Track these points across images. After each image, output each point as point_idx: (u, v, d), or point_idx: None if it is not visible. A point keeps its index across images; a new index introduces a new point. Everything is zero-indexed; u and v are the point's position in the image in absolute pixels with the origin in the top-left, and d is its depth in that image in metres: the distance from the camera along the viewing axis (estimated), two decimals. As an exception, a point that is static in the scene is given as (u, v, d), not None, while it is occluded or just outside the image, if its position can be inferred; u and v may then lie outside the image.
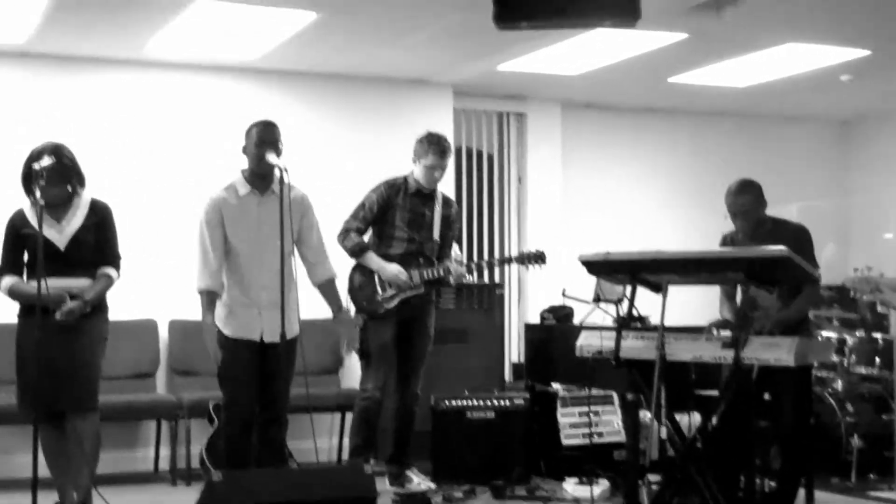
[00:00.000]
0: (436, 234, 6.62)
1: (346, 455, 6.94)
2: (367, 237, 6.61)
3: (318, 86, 8.34)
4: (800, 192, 9.55)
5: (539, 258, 6.79)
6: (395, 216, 6.51)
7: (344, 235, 6.50)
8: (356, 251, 6.50)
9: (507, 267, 9.30)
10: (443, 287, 7.29)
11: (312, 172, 7.27)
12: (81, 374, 5.37)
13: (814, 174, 10.45)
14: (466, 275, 6.80)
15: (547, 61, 7.97)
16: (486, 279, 8.20)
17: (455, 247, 6.93)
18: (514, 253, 7.09)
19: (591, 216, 9.58)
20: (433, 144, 6.54)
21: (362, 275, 6.51)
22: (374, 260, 6.47)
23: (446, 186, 8.67)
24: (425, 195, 6.59)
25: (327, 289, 5.84)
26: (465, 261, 6.79)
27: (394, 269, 6.42)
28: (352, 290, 6.54)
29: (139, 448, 7.69)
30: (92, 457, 5.40)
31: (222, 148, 7.26)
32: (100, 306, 5.48)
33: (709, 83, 8.73)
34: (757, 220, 5.70)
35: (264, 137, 5.53)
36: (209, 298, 5.59)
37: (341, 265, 6.34)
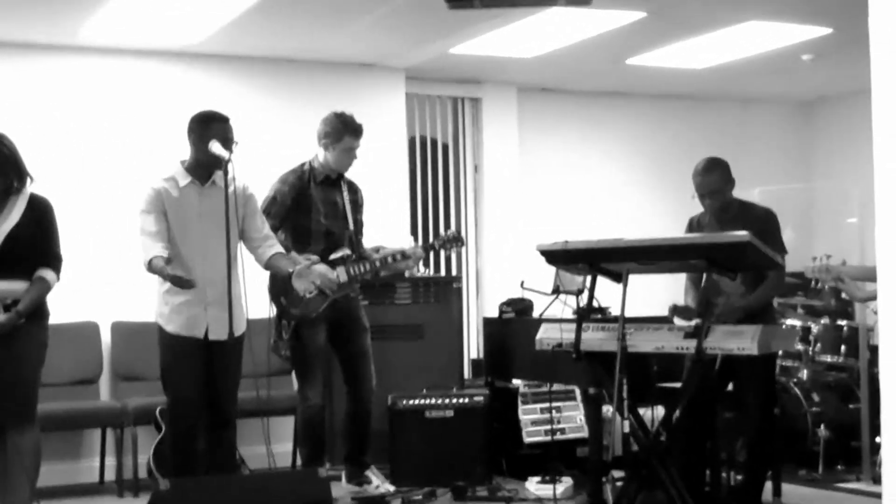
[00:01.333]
0: (351, 224, 6.48)
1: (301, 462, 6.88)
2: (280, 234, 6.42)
3: (264, 70, 8.28)
4: (761, 177, 9.60)
5: (456, 240, 6.68)
6: (310, 207, 6.35)
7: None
8: None
9: (464, 257, 9.30)
10: (395, 277, 7.26)
11: (258, 159, 7.21)
12: (18, 387, 5.18)
13: (775, 158, 10.52)
14: (422, 255, 6.68)
15: (501, 44, 7.96)
16: (441, 272, 8.19)
17: (410, 238, 6.86)
18: (433, 240, 6.91)
19: (549, 204, 9.59)
20: (348, 125, 6.38)
21: (284, 277, 6.35)
22: (297, 261, 6.30)
23: (400, 177, 8.67)
24: (333, 182, 6.45)
25: (278, 260, 5.76)
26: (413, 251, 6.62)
27: (321, 269, 6.24)
28: (275, 294, 6.32)
29: (83, 459, 7.58)
30: (32, 472, 5.22)
31: (164, 137, 7.19)
32: (38, 312, 5.30)
33: (667, 65, 8.76)
34: (725, 200, 5.72)
35: (221, 134, 5.47)
36: (161, 263, 5.42)
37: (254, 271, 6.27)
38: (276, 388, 7.07)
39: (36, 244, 5.27)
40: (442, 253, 8.75)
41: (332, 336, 6.41)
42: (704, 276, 5.69)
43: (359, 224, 6.58)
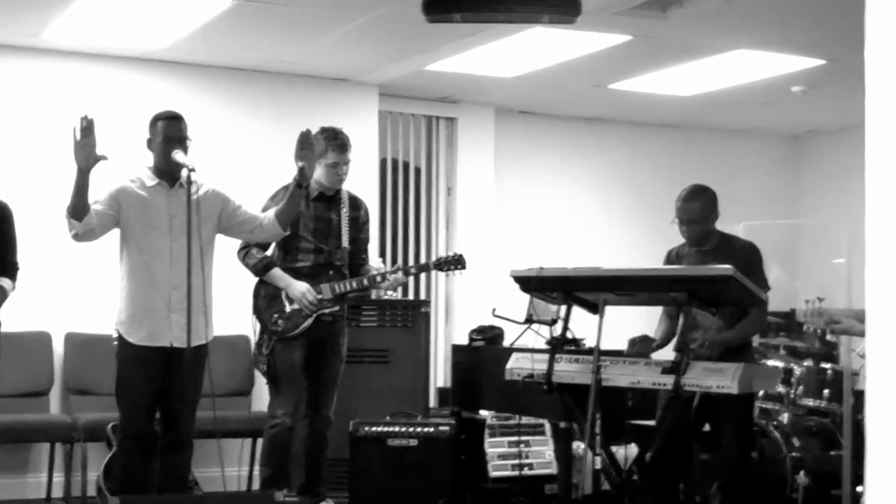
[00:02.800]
0: (345, 241, 6.51)
1: (256, 486, 6.87)
2: (270, 250, 6.48)
3: (231, 81, 8.30)
4: (746, 211, 9.67)
5: (457, 262, 6.71)
6: (298, 225, 6.38)
7: (245, 252, 6.32)
8: (260, 269, 6.33)
9: (433, 281, 9.32)
10: (362, 299, 7.27)
11: (224, 173, 7.20)
12: None
13: (761, 192, 10.60)
14: (403, 280, 6.71)
15: (480, 62, 8.00)
16: (410, 295, 8.18)
17: (378, 260, 6.88)
18: (433, 259, 6.94)
19: (524, 230, 9.63)
20: (331, 140, 6.42)
21: (268, 292, 6.40)
22: (279, 277, 6.33)
23: (370, 197, 8.68)
24: (329, 198, 6.48)
25: (278, 210, 5.82)
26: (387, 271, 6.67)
27: (301, 289, 6.29)
28: (257, 310, 6.42)
29: (30, 473, 7.56)
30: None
31: (126, 144, 7.16)
32: (-11, 320, 5.35)
33: (652, 91, 8.82)
34: (705, 230, 5.75)
35: (170, 133, 5.51)
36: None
37: (245, 281, 6.29)
38: (234, 408, 7.09)
39: None
40: (433, 275, 8.81)
41: (308, 357, 6.43)
42: (683, 310, 5.76)
43: (360, 241, 6.62)
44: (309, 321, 6.33)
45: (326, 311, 6.38)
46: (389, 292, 7.77)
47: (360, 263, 6.63)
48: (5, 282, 5.31)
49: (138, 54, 7.89)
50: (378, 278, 6.50)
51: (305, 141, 5.77)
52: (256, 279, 6.41)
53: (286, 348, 6.34)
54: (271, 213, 5.84)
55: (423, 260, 9.24)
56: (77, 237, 5.42)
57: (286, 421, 6.38)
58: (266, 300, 6.35)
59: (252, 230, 5.84)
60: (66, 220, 5.39)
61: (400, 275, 6.56)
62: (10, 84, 7.71)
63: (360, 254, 6.64)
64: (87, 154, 5.16)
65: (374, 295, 7.46)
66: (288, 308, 6.31)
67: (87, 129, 5.15)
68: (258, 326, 6.38)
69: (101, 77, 7.93)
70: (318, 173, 6.39)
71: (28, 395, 7.38)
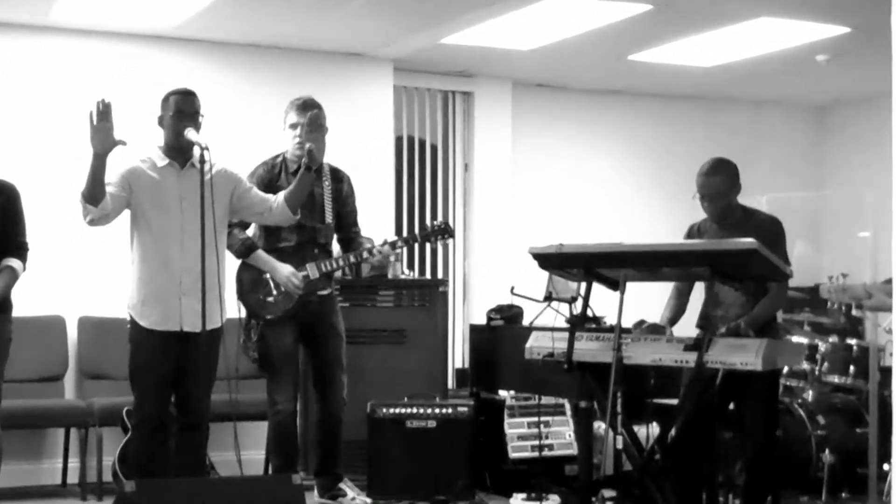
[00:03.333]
0: (329, 217, 6.45)
1: (272, 470, 6.88)
2: (251, 230, 6.43)
3: (243, 57, 8.30)
4: (770, 183, 9.62)
5: (444, 231, 6.62)
6: None
7: (227, 233, 6.06)
8: (243, 251, 6.27)
9: (450, 260, 9.32)
10: (378, 279, 7.28)
11: (237, 151, 7.20)
12: None
13: (785, 164, 10.55)
14: (392, 256, 6.66)
15: (497, 34, 7.98)
16: (427, 275, 8.17)
17: (371, 238, 6.76)
18: (416, 231, 6.86)
19: (543, 206, 9.61)
20: (291, 102, 6.36)
21: (252, 274, 6.35)
22: (263, 259, 6.27)
23: (385, 175, 8.68)
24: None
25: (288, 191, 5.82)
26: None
27: (285, 272, 6.25)
28: (241, 293, 6.34)
29: (45, 459, 7.60)
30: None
31: (139, 123, 7.17)
32: (2, 304, 5.36)
33: (673, 62, 8.78)
34: (728, 205, 5.72)
35: (182, 108, 5.51)
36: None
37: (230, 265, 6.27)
38: (250, 391, 7.11)
39: (2, 232, 5.28)
40: (428, 247, 8.75)
41: (304, 339, 6.41)
42: (704, 286, 5.75)
43: (347, 214, 6.54)
44: (292, 303, 6.26)
45: (313, 292, 6.31)
46: (406, 271, 7.77)
47: (353, 237, 6.54)
48: (14, 262, 5.34)
49: (148, 32, 7.88)
50: (364, 254, 6.44)
51: (314, 123, 5.74)
52: (238, 265, 6.35)
53: (276, 333, 6.29)
54: (281, 196, 5.81)
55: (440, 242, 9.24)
56: (92, 222, 5.44)
57: (288, 406, 6.37)
58: (250, 284, 6.29)
59: (262, 213, 5.83)
60: (81, 205, 5.40)
61: (387, 248, 6.48)
62: (19, 64, 7.72)
63: (351, 227, 6.56)
64: (103, 138, 5.16)
65: (390, 274, 7.46)
66: (274, 291, 6.27)
67: (104, 112, 5.15)
68: (244, 312, 6.34)
69: (111, 55, 7.94)
70: (289, 143, 6.33)
71: (42, 380, 7.40)
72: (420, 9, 7.26)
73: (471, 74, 9.34)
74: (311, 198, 6.32)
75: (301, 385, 6.75)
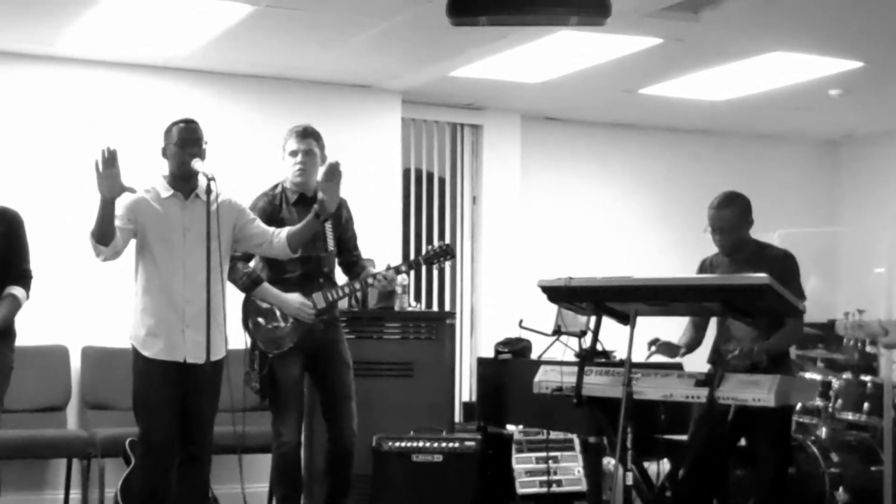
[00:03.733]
0: (331, 245, 6.43)
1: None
2: (253, 262, 6.42)
3: (251, 88, 8.33)
4: (781, 219, 9.60)
5: (445, 253, 6.59)
6: None
7: (230, 267, 6.00)
8: (248, 284, 6.21)
9: (458, 292, 9.31)
10: (384, 311, 7.28)
11: (243, 183, 7.22)
12: None
13: (797, 199, 10.55)
14: (396, 280, 6.63)
15: (506, 67, 8.01)
16: (434, 307, 8.16)
17: (373, 260, 6.75)
18: (417, 256, 6.85)
19: (552, 239, 9.62)
20: (290, 129, 6.33)
21: (257, 307, 6.34)
22: (270, 293, 6.23)
23: (393, 207, 8.69)
24: (309, 201, 6.25)
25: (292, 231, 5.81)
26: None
27: (296, 303, 6.22)
28: (248, 325, 6.32)
29: (47, 490, 7.58)
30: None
31: (143, 155, 7.21)
32: (4, 333, 5.36)
33: (684, 96, 8.80)
34: (739, 238, 5.72)
35: (186, 136, 5.50)
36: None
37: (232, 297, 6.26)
38: (254, 423, 7.09)
39: (5, 260, 5.29)
40: (435, 279, 8.75)
41: (310, 369, 6.39)
42: (715, 320, 5.74)
43: (348, 239, 6.52)
44: (300, 333, 6.24)
45: (318, 320, 6.30)
46: (413, 303, 7.76)
47: (355, 260, 6.53)
48: (18, 291, 5.34)
49: (156, 62, 7.92)
50: (369, 279, 6.43)
51: (331, 172, 5.75)
52: (244, 298, 6.34)
53: (284, 365, 6.25)
54: (283, 233, 5.80)
55: (448, 274, 9.25)
56: (105, 260, 5.46)
57: (293, 439, 6.33)
58: (257, 315, 6.29)
59: (260, 244, 5.80)
60: (92, 245, 5.40)
61: (391, 273, 6.47)
62: (26, 93, 7.76)
63: (352, 251, 6.53)
64: (111, 185, 5.19)
65: (396, 306, 7.45)
66: (282, 323, 6.26)
67: (110, 159, 5.17)
68: (249, 342, 6.32)
69: (118, 86, 7.97)
70: (288, 171, 6.33)
71: (44, 410, 7.40)
72: (429, 41, 7.28)
73: (479, 107, 9.36)
74: None
75: (305, 415, 6.73)
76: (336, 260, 6.50)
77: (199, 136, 5.54)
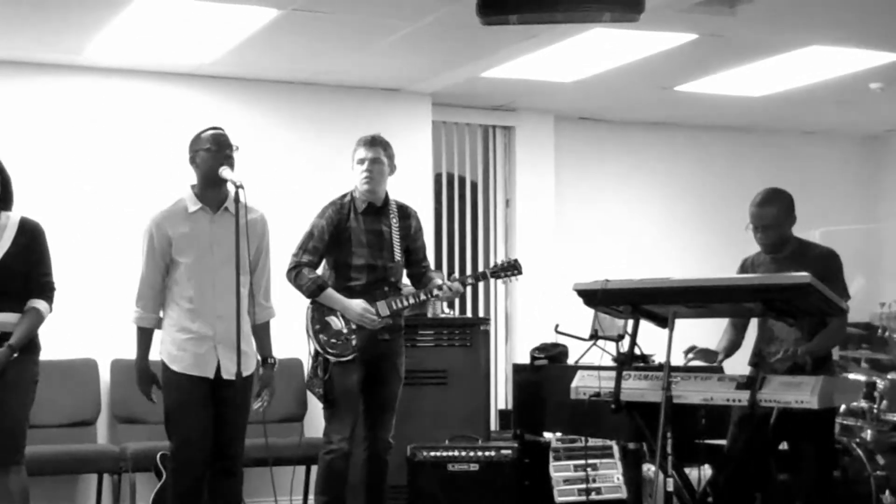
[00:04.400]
0: (398, 255, 6.49)
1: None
2: (321, 269, 6.48)
3: (279, 94, 8.35)
4: (823, 217, 9.57)
5: (513, 268, 6.64)
6: (350, 241, 6.36)
7: (296, 273, 6.27)
8: (314, 290, 6.31)
9: (493, 298, 9.31)
10: (418, 317, 7.28)
11: (271, 192, 7.27)
12: (6, 425, 5.23)
13: (839, 196, 10.49)
14: (460, 290, 6.66)
15: (538, 67, 7.99)
16: (468, 313, 8.15)
17: (438, 273, 6.80)
18: (489, 267, 6.89)
19: (587, 242, 9.60)
20: (358, 139, 6.42)
21: (322, 313, 6.39)
22: (334, 298, 6.31)
23: (425, 213, 8.68)
24: (378, 209, 6.42)
25: (263, 331, 5.79)
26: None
27: (358, 308, 6.27)
28: (312, 332, 6.40)
29: (77, 505, 7.61)
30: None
31: (171, 164, 7.26)
32: (29, 346, 5.37)
33: (720, 92, 8.76)
34: (782, 236, 5.69)
35: (217, 141, 5.51)
36: (141, 335, 5.61)
37: (296, 302, 6.29)
38: (286, 434, 7.11)
39: (27, 272, 5.31)
40: (482, 286, 8.77)
41: (367, 378, 6.42)
42: (759, 321, 5.71)
43: (417, 250, 6.57)
44: (365, 337, 6.29)
45: (385, 327, 6.35)
46: (447, 310, 7.76)
47: (423, 272, 6.58)
48: (40, 304, 5.33)
49: (182, 70, 7.95)
50: (435, 290, 6.46)
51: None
52: (308, 304, 6.41)
53: (344, 371, 6.32)
54: (268, 313, 5.78)
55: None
56: None
57: (343, 446, 6.36)
58: (320, 322, 6.35)
59: (251, 290, 5.74)
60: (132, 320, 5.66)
61: (457, 285, 6.51)
62: (53, 103, 7.80)
63: (421, 262, 6.60)
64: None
65: (430, 313, 7.45)
66: (345, 329, 6.31)
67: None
68: (313, 349, 6.37)
69: (145, 94, 8.01)
70: (357, 181, 6.39)
71: (74, 425, 7.43)
72: (458, 42, 7.27)
73: (512, 108, 9.35)
74: (380, 235, 6.40)
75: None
76: (404, 271, 6.54)
77: (228, 142, 5.55)
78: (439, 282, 6.47)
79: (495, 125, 9.48)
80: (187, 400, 5.51)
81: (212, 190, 5.57)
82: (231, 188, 5.42)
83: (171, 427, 5.59)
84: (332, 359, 6.25)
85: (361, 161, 6.36)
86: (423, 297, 6.47)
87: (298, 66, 7.95)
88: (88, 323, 7.55)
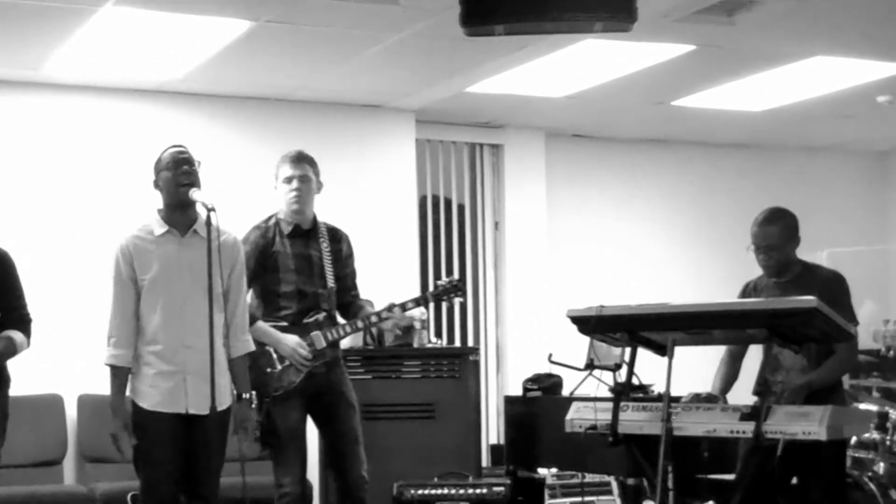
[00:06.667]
0: (330, 280, 6.43)
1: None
2: (248, 299, 6.40)
3: (254, 112, 8.36)
4: (829, 238, 9.60)
5: (455, 289, 6.54)
6: (276, 267, 6.25)
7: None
8: None
9: (482, 327, 9.31)
10: (402, 347, 7.27)
11: (244, 215, 7.23)
12: None
13: (846, 216, 10.53)
14: (400, 317, 6.59)
15: (527, 81, 8.02)
16: (456, 342, 8.12)
17: (372, 301, 6.72)
18: (429, 290, 6.83)
19: (581, 266, 9.61)
20: (282, 155, 6.34)
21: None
22: (266, 332, 6.19)
23: (409, 236, 8.69)
24: (306, 232, 6.31)
25: (240, 366, 5.74)
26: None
27: (292, 343, 6.20)
28: None
29: (43, 550, 7.58)
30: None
31: (139, 188, 7.23)
32: (-3, 376, 5.34)
33: (720, 107, 8.80)
34: (785, 258, 5.69)
35: (176, 159, 5.47)
36: (115, 374, 5.54)
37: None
38: (264, 473, 7.08)
39: None
40: (457, 312, 8.74)
41: (313, 413, 6.37)
42: (762, 349, 5.71)
43: (347, 277, 6.50)
44: (300, 376, 6.23)
45: (318, 362, 6.28)
46: (434, 339, 7.75)
47: (352, 301, 6.52)
48: (16, 335, 5.27)
49: (150, 86, 7.96)
50: (373, 318, 6.40)
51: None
52: None
53: (282, 409, 6.23)
54: (245, 345, 5.73)
55: (470, 306, 9.24)
56: None
57: (296, 489, 6.28)
58: (252, 359, 6.28)
59: (225, 319, 5.70)
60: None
61: (396, 311, 6.45)
62: (10, 122, 7.79)
63: (350, 290, 6.51)
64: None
65: (415, 342, 7.44)
66: (278, 365, 6.24)
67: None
68: None
69: (110, 113, 8.02)
70: (283, 201, 6.32)
71: (39, 465, 7.41)
72: (443, 55, 7.29)
73: (500, 125, 9.38)
74: (309, 261, 6.30)
75: (320, 463, 6.72)
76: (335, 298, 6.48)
77: (188, 157, 5.52)
78: (370, 308, 6.42)
79: (483, 143, 9.50)
80: (156, 439, 5.48)
81: (178, 212, 5.54)
82: (201, 210, 5.40)
83: (139, 467, 5.57)
84: (267, 398, 6.18)
85: (288, 179, 6.26)
86: (360, 325, 6.38)
87: (273, 81, 7.96)
88: (53, 355, 7.51)
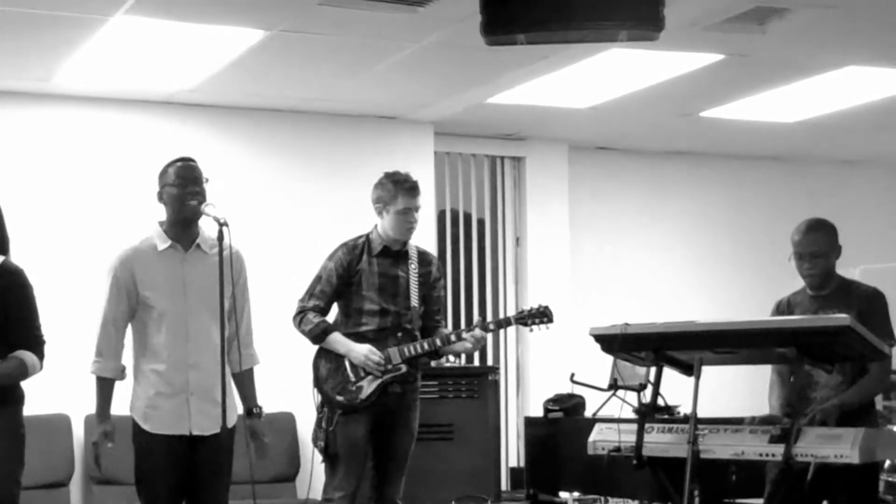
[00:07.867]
0: (414, 301, 6.52)
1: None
2: (331, 316, 6.51)
3: (264, 124, 8.38)
4: (863, 253, 9.53)
5: (543, 315, 6.64)
6: (360, 285, 6.41)
7: (301, 318, 6.35)
8: (318, 334, 6.36)
9: (502, 346, 9.30)
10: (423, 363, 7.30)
11: (257, 230, 7.27)
12: None
13: (880, 231, 10.50)
14: (481, 337, 6.65)
15: (550, 92, 8.02)
16: (476, 361, 8.10)
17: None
18: (513, 313, 6.89)
19: (605, 282, 9.61)
20: (399, 184, 6.43)
21: (328, 361, 6.40)
22: (339, 342, 6.36)
23: (427, 248, 8.68)
24: (395, 253, 6.47)
25: (247, 379, 5.75)
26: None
27: (363, 350, 6.32)
28: (318, 381, 6.42)
29: (49, 577, 7.60)
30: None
31: (148, 201, 7.27)
32: (10, 394, 5.32)
33: (749, 118, 8.79)
34: (830, 268, 5.66)
35: (184, 176, 5.45)
36: (101, 386, 5.56)
37: (288, 352, 6.28)
38: (277, 496, 7.10)
39: (7, 321, 5.15)
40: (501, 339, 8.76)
41: (375, 432, 6.42)
42: (793, 368, 5.69)
43: (433, 300, 6.59)
44: (374, 386, 6.30)
45: (395, 377, 6.35)
46: (452, 359, 7.75)
47: (434, 326, 6.60)
48: (28, 356, 5.17)
49: (160, 97, 7.99)
50: (452, 337, 6.45)
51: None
52: (316, 348, 6.43)
53: (349, 423, 6.32)
54: (252, 359, 5.75)
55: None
56: None
57: (343, 502, 6.37)
58: (327, 370, 6.36)
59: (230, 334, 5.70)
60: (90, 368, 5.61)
61: (477, 331, 6.50)
62: (19, 134, 7.83)
63: (434, 315, 6.61)
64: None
65: (433, 362, 7.44)
66: (352, 377, 6.33)
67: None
68: (318, 399, 6.38)
69: (119, 124, 8.04)
70: (386, 224, 6.42)
71: (46, 487, 7.42)
72: (462, 66, 7.30)
73: (521, 137, 9.38)
74: (395, 280, 6.42)
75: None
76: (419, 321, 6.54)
77: (198, 174, 5.51)
78: (445, 332, 6.48)
79: (504, 156, 9.51)
80: (159, 463, 5.47)
81: (182, 227, 5.53)
82: (203, 224, 5.40)
83: (142, 492, 5.57)
84: (339, 409, 6.27)
85: (405, 211, 6.39)
86: (438, 343, 6.46)
87: (287, 92, 7.98)
88: (60, 375, 7.51)
